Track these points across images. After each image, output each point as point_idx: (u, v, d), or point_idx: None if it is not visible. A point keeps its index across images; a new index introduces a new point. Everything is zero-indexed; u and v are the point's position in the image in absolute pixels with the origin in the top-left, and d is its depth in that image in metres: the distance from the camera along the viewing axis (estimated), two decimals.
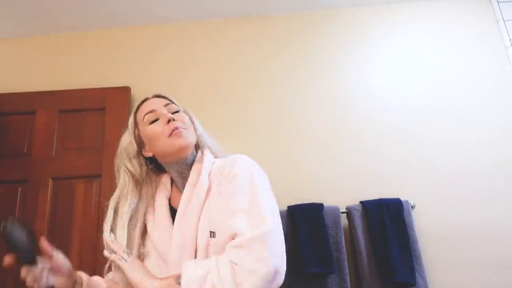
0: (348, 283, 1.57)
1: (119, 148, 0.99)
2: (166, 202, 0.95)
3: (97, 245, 1.69)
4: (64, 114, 1.91)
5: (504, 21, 2.04)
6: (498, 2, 2.08)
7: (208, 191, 0.88)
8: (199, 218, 0.85)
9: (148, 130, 0.94)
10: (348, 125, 1.93)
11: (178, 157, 0.93)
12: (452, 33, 2.07)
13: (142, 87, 1.98)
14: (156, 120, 0.95)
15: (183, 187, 0.92)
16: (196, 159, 0.95)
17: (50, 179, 1.80)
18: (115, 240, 0.90)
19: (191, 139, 0.94)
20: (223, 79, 2.04)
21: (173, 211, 0.92)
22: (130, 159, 0.96)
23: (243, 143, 1.90)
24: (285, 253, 0.76)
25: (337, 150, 1.89)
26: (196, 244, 0.82)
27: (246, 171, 0.85)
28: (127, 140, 0.98)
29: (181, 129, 0.92)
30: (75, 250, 1.68)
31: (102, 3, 1.98)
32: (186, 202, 0.88)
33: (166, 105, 0.98)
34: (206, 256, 0.80)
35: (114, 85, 1.98)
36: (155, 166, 1.00)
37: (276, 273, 0.70)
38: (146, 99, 1.02)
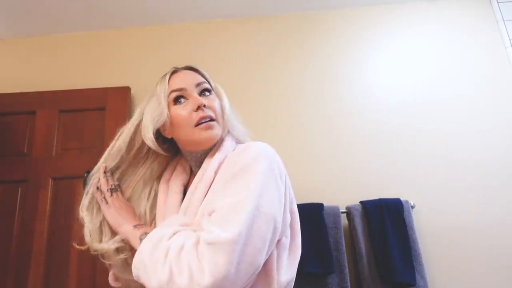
0: (348, 283, 1.57)
1: (144, 114, 0.88)
2: (181, 189, 0.88)
3: None
4: (64, 114, 1.91)
5: (504, 21, 2.04)
6: (498, 2, 2.08)
7: (209, 186, 0.80)
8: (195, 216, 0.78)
9: (172, 113, 0.84)
10: (348, 125, 1.93)
11: (201, 148, 0.85)
12: (452, 33, 2.07)
13: (142, 87, 1.98)
14: (181, 98, 0.86)
15: None
16: (214, 149, 0.85)
17: (50, 179, 1.80)
18: (108, 173, 0.88)
19: (219, 132, 0.84)
20: (222, 79, 2.03)
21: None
22: (153, 128, 0.84)
23: None
24: (250, 264, 0.63)
25: (337, 150, 1.89)
26: None
27: (250, 160, 0.73)
28: (155, 109, 0.85)
29: (212, 123, 0.83)
30: (75, 250, 1.68)
31: (102, 3, 1.98)
32: (191, 194, 0.81)
33: (198, 84, 0.88)
34: None
35: (114, 85, 1.98)
36: (170, 146, 0.92)
37: (224, 281, 0.60)
38: (175, 71, 0.91)
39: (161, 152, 0.87)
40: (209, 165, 0.81)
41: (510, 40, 2.01)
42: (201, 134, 0.82)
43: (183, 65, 0.94)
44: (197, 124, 0.82)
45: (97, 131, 1.87)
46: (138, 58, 2.10)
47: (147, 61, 2.09)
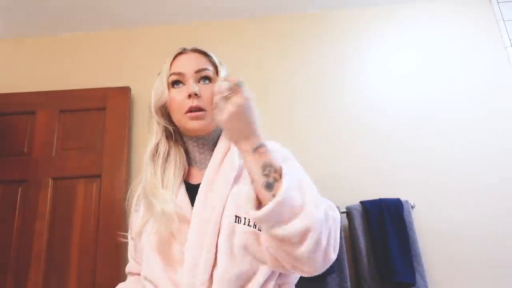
0: (348, 283, 1.57)
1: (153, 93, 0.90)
2: (181, 173, 0.87)
3: (97, 245, 1.70)
4: (64, 114, 1.91)
5: (504, 21, 2.04)
6: (498, 2, 2.08)
7: (240, 174, 0.81)
8: (226, 200, 0.77)
9: (170, 95, 0.86)
10: (348, 125, 1.93)
11: (194, 135, 0.87)
12: (452, 33, 2.07)
13: (142, 87, 1.98)
14: (179, 83, 0.86)
15: (201, 164, 0.87)
16: (221, 137, 0.87)
17: (50, 179, 1.80)
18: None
19: (207, 122, 0.84)
20: None
21: (188, 188, 0.84)
22: (154, 106, 0.87)
23: None
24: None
25: (337, 150, 1.89)
26: (220, 228, 0.75)
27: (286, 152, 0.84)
28: (159, 87, 0.88)
29: (200, 113, 0.82)
30: (75, 250, 1.68)
31: (103, 4, 1.98)
32: (210, 180, 0.81)
33: (199, 71, 0.86)
34: (230, 243, 0.73)
35: (114, 85, 1.98)
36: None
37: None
38: (182, 52, 0.90)
39: (166, 125, 0.88)
40: (227, 152, 0.85)
41: (510, 40, 2.01)
42: (188, 123, 0.84)
43: (191, 47, 0.93)
44: (186, 112, 0.83)
45: (97, 131, 1.87)
46: (138, 58, 2.10)
47: (147, 61, 2.08)
